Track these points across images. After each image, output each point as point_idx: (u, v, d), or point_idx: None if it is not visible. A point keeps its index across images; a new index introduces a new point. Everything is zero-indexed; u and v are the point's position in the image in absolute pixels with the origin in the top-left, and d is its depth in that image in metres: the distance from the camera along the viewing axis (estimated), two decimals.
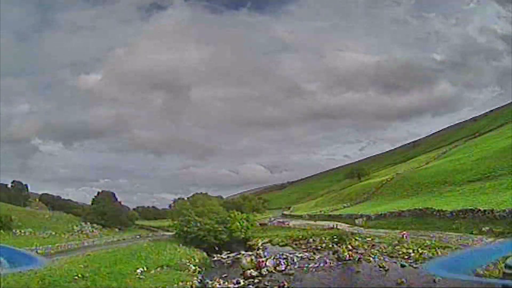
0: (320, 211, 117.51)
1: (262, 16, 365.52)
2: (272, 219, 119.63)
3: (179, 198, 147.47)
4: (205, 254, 70.78)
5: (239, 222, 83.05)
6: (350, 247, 53.43)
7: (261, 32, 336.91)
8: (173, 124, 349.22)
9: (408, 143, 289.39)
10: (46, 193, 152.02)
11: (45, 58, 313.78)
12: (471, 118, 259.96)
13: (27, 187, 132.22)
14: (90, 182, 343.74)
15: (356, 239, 58.18)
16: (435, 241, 48.85)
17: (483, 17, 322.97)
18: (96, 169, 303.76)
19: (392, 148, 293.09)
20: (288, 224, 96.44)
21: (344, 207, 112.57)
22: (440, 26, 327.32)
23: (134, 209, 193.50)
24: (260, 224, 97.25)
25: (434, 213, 63.63)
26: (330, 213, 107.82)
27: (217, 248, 76.72)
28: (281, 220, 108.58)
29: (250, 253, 64.01)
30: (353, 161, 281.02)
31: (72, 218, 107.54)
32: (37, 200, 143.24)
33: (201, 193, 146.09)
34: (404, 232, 55.48)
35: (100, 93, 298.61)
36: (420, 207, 69.92)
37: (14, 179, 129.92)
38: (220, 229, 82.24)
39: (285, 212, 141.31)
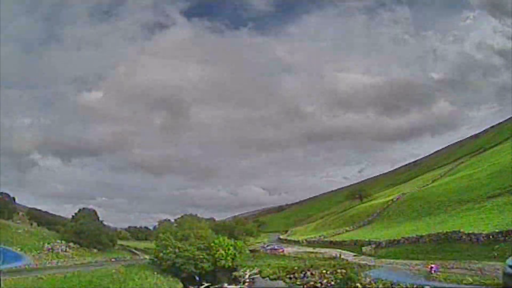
0: (320, 236, 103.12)
1: (262, 37, 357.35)
2: (266, 245, 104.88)
3: (165, 219, 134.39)
4: (181, 285, 61.54)
5: (225, 250, 69.22)
6: None
7: (261, 53, 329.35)
8: (173, 144, 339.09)
9: (409, 163, 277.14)
10: (34, 208, 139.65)
11: (49, 72, 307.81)
12: (470, 136, 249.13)
13: (14, 200, 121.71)
14: (88, 200, 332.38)
15: (367, 276, 43.07)
16: (478, 276, 35.39)
17: (479, 32, 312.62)
18: (94, 187, 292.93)
19: (392, 169, 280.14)
20: (282, 252, 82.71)
21: (347, 231, 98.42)
22: (438, 44, 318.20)
23: (126, 228, 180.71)
24: (250, 251, 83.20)
25: (463, 237, 49.90)
26: (332, 238, 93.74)
27: (197, 279, 64.99)
28: (275, 247, 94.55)
29: (233, 286, 51.84)
30: (352, 182, 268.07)
31: (51, 235, 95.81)
32: (24, 214, 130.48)
33: (191, 214, 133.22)
34: (432, 265, 41.58)
35: (101, 110, 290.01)
36: (444, 231, 55.81)
37: (3, 191, 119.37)
38: (201, 256, 68.43)
39: (281, 236, 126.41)
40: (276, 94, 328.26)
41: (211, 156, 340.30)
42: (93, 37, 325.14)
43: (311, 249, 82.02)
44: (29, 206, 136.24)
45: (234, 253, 69.10)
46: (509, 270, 3.91)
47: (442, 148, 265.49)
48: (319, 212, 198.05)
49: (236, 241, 75.35)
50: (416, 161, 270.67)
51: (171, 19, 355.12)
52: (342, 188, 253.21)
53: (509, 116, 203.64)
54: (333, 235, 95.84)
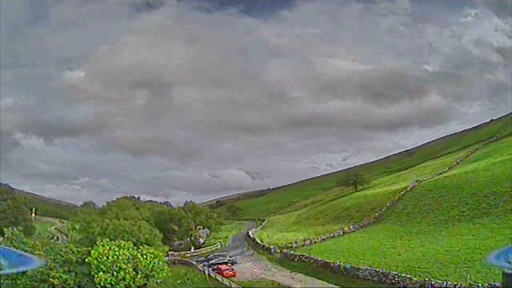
0: (306, 240, 59.87)
1: (252, 19, 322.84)
2: (213, 255, 60.61)
3: (86, 202, 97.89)
4: None
5: (115, 271, 31.54)
6: None
7: (249, 35, 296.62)
8: (156, 125, 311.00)
9: (401, 152, 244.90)
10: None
11: (34, 52, 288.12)
12: (463, 131, 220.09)
13: None
14: (71, 180, 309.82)
15: None
16: None
17: (480, 30, 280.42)
18: (77, 167, 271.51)
19: (377, 158, 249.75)
20: (232, 274, 44.78)
21: (346, 232, 60.21)
22: (435, 37, 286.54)
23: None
24: (179, 262, 46.06)
25: None
26: (325, 244, 56.40)
27: None
28: (223, 260, 52.97)
29: None
30: (337, 170, 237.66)
31: None
32: None
33: (133, 197, 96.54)
34: None
35: (83, 90, 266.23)
36: None
37: None
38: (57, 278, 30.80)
39: (252, 232, 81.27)
40: (263, 77, 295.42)
41: (194, 138, 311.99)
42: (80, 18, 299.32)
43: (286, 272, 43.79)
44: (16, 187, 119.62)
45: (129, 277, 31.62)
46: (509, 270, 3.79)
47: (435, 140, 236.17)
48: (302, 199, 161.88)
49: (147, 249, 37.79)
50: (407, 150, 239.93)
51: (161, 0, 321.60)
52: (327, 174, 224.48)
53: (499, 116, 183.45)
54: (326, 239, 57.69)
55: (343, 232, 59.26)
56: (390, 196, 75.00)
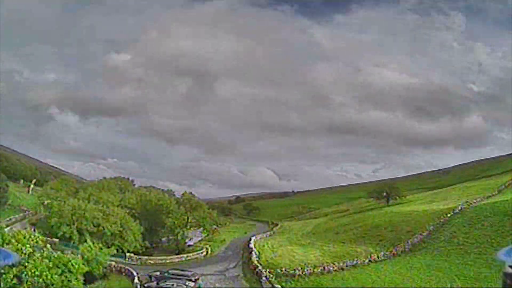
0: (317, 267, 40.72)
1: (305, 19, 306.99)
2: (171, 273, 40.47)
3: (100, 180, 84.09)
4: None
5: None
6: None
7: (301, 35, 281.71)
8: (193, 114, 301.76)
9: (438, 170, 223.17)
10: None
11: (83, 32, 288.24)
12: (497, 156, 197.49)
13: None
14: (98, 159, 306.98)
15: None
16: None
17: None
18: (107, 147, 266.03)
19: (407, 174, 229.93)
20: None
21: (373, 260, 42.23)
22: (485, 57, 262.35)
23: None
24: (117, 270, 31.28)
25: None
26: (341, 272, 39.20)
27: None
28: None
29: None
30: (365, 181, 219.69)
31: None
32: None
33: (123, 178, 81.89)
34: None
35: (126, 73, 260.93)
36: None
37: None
38: None
39: (255, 240, 62.09)
40: (308, 79, 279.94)
41: (229, 132, 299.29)
42: (134, 3, 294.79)
43: None
44: (42, 160, 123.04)
45: None
46: (509, 270, 3.57)
47: (470, 162, 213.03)
48: (324, 206, 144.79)
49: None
50: (442, 169, 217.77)
51: None
52: (354, 184, 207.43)
53: None
54: (346, 267, 39.85)
55: (370, 260, 42.32)
56: (432, 218, 57.52)
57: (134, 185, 72.48)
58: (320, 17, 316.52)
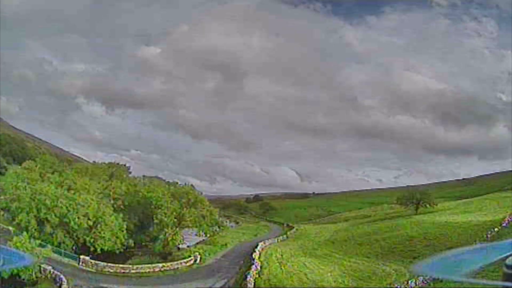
0: None
1: (337, 19, 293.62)
2: None
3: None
4: None
5: None
6: None
7: (332, 36, 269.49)
8: (220, 110, 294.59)
9: (463, 179, 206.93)
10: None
11: (112, 24, 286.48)
12: None
13: None
14: (121, 151, 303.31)
15: None
16: None
17: None
18: (131, 139, 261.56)
19: (428, 182, 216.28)
20: None
21: None
22: None
23: None
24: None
25: None
26: None
27: None
28: None
29: None
30: (387, 186, 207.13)
31: None
32: None
33: (123, 165, 70.20)
34: None
35: (156, 66, 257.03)
36: None
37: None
38: None
39: (263, 246, 51.49)
40: (337, 81, 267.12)
41: (255, 130, 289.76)
42: None
43: None
44: (65, 149, 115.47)
45: None
46: (508, 270, 3.28)
47: (494, 173, 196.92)
48: (344, 210, 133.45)
49: None
50: (466, 179, 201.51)
51: None
52: (375, 189, 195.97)
53: None
54: None
55: None
56: (475, 231, 46.33)
57: (130, 172, 63.02)
58: (352, 18, 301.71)
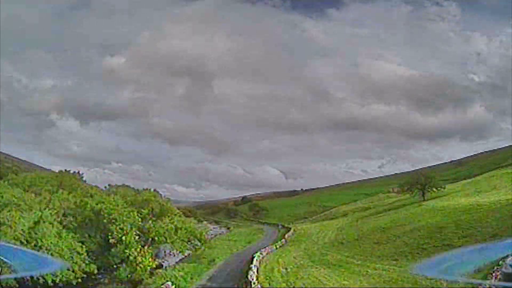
0: None
1: (296, 14, 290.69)
2: None
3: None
4: None
5: None
6: None
7: (295, 31, 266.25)
8: (193, 114, 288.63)
9: (448, 162, 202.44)
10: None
11: (76, 36, 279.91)
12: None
13: None
14: (103, 164, 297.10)
15: None
16: None
17: None
18: (110, 152, 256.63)
19: (413, 168, 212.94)
20: None
21: None
22: (483, 46, 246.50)
23: None
24: None
25: None
26: None
27: None
28: None
29: None
30: (372, 176, 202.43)
31: None
32: None
33: (77, 172, 57.13)
34: None
35: (123, 76, 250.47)
36: None
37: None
38: None
39: (261, 256, 39.69)
40: (306, 75, 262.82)
41: (231, 131, 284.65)
42: (123, 5, 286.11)
43: None
44: (45, 166, 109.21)
45: None
46: (508, 270, 3.37)
47: (481, 153, 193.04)
48: (339, 204, 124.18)
49: None
50: (454, 161, 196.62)
51: None
52: (362, 180, 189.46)
53: None
54: None
55: None
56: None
57: (84, 181, 50.88)
58: (311, 11, 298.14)
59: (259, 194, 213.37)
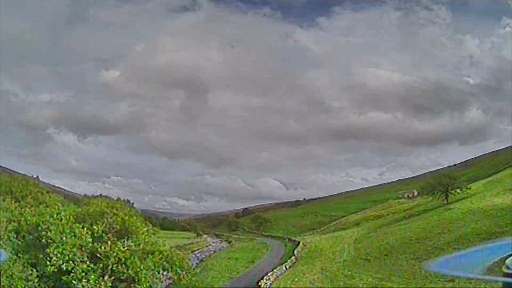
0: None
1: (287, 24, 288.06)
2: None
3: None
4: None
5: None
6: None
7: (287, 41, 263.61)
8: (190, 127, 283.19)
9: (451, 166, 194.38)
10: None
11: (70, 51, 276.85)
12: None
13: None
14: (103, 178, 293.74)
15: None
16: None
17: None
18: (109, 166, 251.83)
19: (414, 175, 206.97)
20: None
21: None
22: (475, 49, 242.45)
23: None
24: None
25: None
26: None
27: None
28: None
29: None
30: (373, 184, 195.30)
31: None
32: None
33: (36, 178, 46.74)
34: None
35: (118, 89, 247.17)
36: None
37: None
38: None
39: (270, 281, 32.01)
40: (301, 85, 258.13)
41: (230, 144, 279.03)
42: (118, 19, 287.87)
43: None
44: (45, 181, 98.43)
45: None
46: (508, 270, 3.18)
47: (482, 155, 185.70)
48: (347, 213, 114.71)
49: None
50: (458, 164, 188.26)
51: (198, 4, 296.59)
52: (362, 189, 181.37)
53: None
54: None
55: None
56: None
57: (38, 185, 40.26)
58: (302, 21, 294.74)
59: (261, 205, 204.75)
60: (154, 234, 24.30)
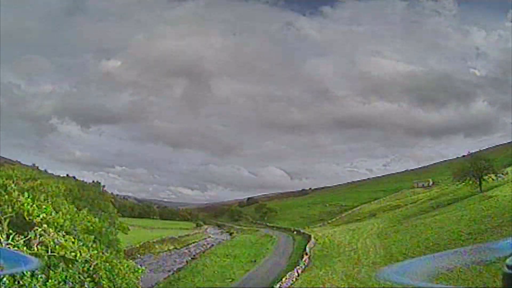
0: None
1: (290, 12, 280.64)
2: None
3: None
4: None
5: None
6: None
7: (291, 30, 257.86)
8: (193, 116, 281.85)
9: (460, 157, 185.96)
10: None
11: (71, 42, 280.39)
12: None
13: None
14: (107, 168, 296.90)
15: None
16: None
17: None
18: (113, 155, 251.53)
19: (419, 166, 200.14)
20: None
21: None
22: (481, 40, 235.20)
23: None
24: None
25: None
26: None
27: None
28: None
29: None
30: (377, 175, 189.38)
31: None
32: None
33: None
34: None
35: (120, 79, 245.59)
36: None
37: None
38: None
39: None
40: (305, 74, 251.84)
41: (233, 133, 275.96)
42: (117, 9, 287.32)
43: None
44: (49, 171, 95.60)
45: None
46: (508, 270, 2.66)
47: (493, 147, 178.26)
48: (359, 203, 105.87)
49: None
50: (469, 154, 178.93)
51: None
52: (369, 179, 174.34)
53: None
54: None
55: None
56: None
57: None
58: (305, 9, 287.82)
59: (265, 194, 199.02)
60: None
